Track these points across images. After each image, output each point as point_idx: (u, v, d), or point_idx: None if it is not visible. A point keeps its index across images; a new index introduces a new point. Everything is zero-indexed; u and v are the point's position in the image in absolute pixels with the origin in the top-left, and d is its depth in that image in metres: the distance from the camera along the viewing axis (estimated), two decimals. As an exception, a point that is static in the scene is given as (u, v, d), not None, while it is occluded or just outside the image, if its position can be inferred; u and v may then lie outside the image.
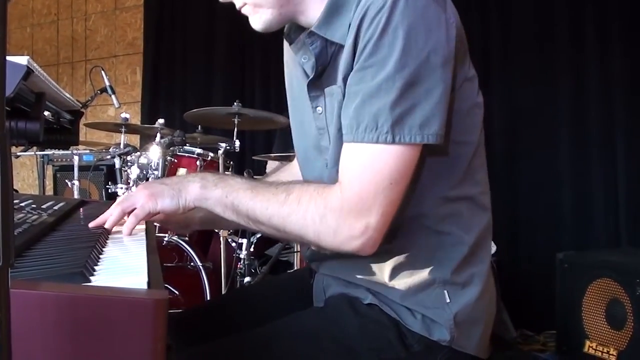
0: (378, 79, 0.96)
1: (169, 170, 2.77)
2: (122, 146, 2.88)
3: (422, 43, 0.95)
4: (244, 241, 2.80)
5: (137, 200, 1.12)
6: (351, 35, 1.01)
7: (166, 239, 2.65)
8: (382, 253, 1.05)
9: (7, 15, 0.48)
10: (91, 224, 1.12)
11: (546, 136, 3.35)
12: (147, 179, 2.57)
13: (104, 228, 1.11)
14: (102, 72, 3.32)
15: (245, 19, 1.15)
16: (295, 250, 2.82)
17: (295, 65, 1.19)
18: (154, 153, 2.64)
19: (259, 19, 1.11)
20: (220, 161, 2.80)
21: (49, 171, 4.23)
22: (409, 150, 0.98)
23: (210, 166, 2.90)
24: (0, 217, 0.46)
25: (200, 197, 1.10)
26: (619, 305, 2.30)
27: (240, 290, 2.23)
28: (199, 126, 3.28)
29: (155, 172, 2.61)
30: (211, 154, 2.89)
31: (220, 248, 2.69)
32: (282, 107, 3.76)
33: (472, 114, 1.11)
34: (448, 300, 1.07)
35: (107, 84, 3.30)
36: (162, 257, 1.06)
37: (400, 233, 1.08)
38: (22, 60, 0.86)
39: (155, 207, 1.11)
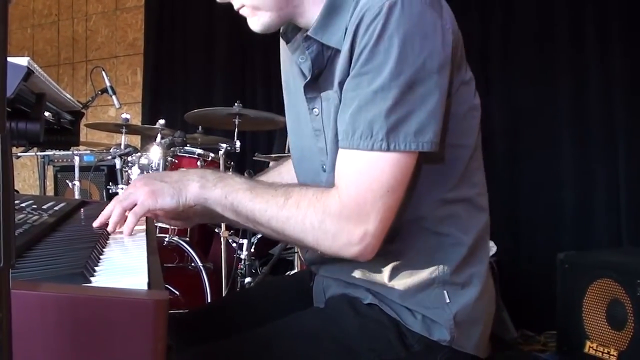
0: (374, 86, 0.97)
1: (170, 171, 2.77)
2: (122, 147, 2.89)
3: (417, 50, 0.95)
4: (245, 241, 2.80)
5: (137, 197, 1.11)
6: (347, 41, 1.01)
7: (167, 239, 2.65)
8: (382, 254, 1.05)
9: (8, 16, 0.48)
10: (95, 223, 1.11)
11: (547, 136, 3.34)
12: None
13: (106, 228, 1.11)
14: (103, 72, 3.32)
15: (244, 18, 1.15)
16: (296, 250, 2.82)
17: (292, 64, 1.19)
18: (155, 153, 2.64)
19: (258, 21, 1.12)
20: (221, 162, 2.80)
21: (50, 172, 4.23)
22: (405, 157, 0.98)
23: (211, 167, 2.90)
24: (1, 218, 0.46)
25: (199, 197, 1.10)
26: (619, 305, 2.30)
27: (240, 292, 2.23)
28: (200, 127, 3.28)
29: (156, 173, 2.61)
30: (212, 155, 2.89)
31: (221, 248, 2.69)
32: (283, 108, 3.77)
33: (469, 117, 1.11)
34: (448, 301, 1.08)
35: (108, 84, 3.30)
36: (162, 257, 1.06)
37: (400, 235, 1.08)
38: (23, 61, 0.86)
39: (154, 205, 1.10)
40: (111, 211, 1.11)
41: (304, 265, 2.71)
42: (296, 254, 2.80)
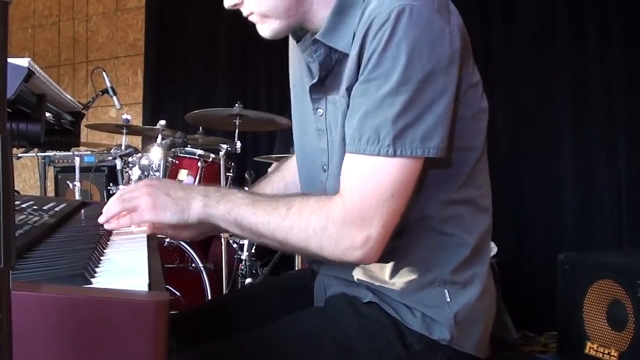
0: (381, 92, 0.97)
1: (170, 172, 2.77)
2: (123, 147, 2.88)
3: (425, 57, 0.96)
4: (245, 242, 2.80)
5: (139, 205, 1.12)
6: (356, 46, 1.02)
7: (167, 240, 2.65)
8: (386, 252, 1.06)
9: (8, 17, 0.48)
10: (101, 219, 1.13)
11: (547, 136, 3.34)
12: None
13: (106, 228, 1.12)
14: (104, 73, 3.32)
15: (246, 19, 1.15)
16: (297, 254, 2.81)
17: (300, 62, 1.21)
18: (155, 154, 2.64)
19: (267, 29, 1.13)
20: (222, 162, 2.80)
21: (50, 172, 4.23)
22: (411, 163, 0.99)
23: (212, 168, 2.90)
24: (2, 219, 0.46)
25: (203, 215, 1.11)
26: (620, 306, 2.30)
27: (241, 290, 2.23)
28: (200, 127, 3.28)
29: (157, 174, 2.61)
30: (212, 156, 2.89)
31: (222, 249, 2.69)
32: (284, 109, 3.76)
33: (477, 120, 1.12)
34: (449, 300, 1.09)
35: (109, 85, 3.30)
36: (163, 258, 1.06)
37: (404, 233, 1.09)
38: (23, 62, 0.86)
39: (153, 218, 1.12)
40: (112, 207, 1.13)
41: (305, 265, 2.71)
42: (297, 257, 2.79)
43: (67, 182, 3.48)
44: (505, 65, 3.44)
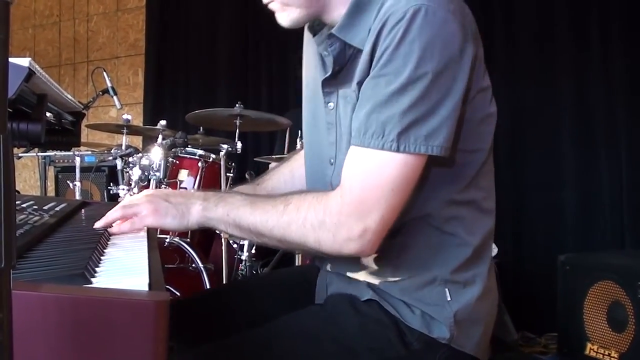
0: (391, 88, 0.98)
1: (171, 172, 2.77)
2: (123, 147, 2.88)
3: (437, 57, 0.97)
4: (246, 243, 2.79)
5: (140, 211, 1.14)
6: (370, 42, 1.03)
7: (167, 240, 2.65)
8: (386, 249, 1.07)
9: (9, 16, 0.48)
10: (97, 224, 1.13)
11: (548, 137, 3.34)
12: (149, 181, 2.57)
13: (105, 229, 1.12)
14: (104, 73, 3.33)
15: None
16: (297, 252, 2.81)
17: (314, 57, 1.22)
18: (156, 154, 2.63)
19: (287, 17, 1.14)
20: (222, 163, 2.80)
21: (51, 172, 4.23)
22: (413, 159, 1.00)
23: (212, 168, 2.90)
24: (2, 218, 0.46)
25: (203, 219, 1.14)
26: (620, 307, 2.30)
27: (243, 282, 2.22)
28: (201, 128, 3.28)
29: (157, 174, 2.61)
30: (213, 156, 2.89)
31: (222, 249, 2.69)
32: (285, 109, 3.78)
33: (485, 124, 1.14)
34: (449, 299, 1.09)
35: (109, 85, 3.31)
36: (163, 258, 1.06)
37: (406, 230, 1.10)
38: (24, 62, 0.86)
39: (154, 223, 1.14)
40: (112, 214, 1.14)
41: (306, 261, 2.71)
42: (297, 255, 2.79)
43: (68, 182, 3.48)
44: (506, 65, 3.44)
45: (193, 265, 2.63)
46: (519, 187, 3.38)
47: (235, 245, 2.83)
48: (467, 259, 1.11)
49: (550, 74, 3.33)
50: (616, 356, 2.30)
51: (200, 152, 2.89)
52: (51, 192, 4.27)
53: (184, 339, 1.21)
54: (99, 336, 0.58)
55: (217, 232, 2.86)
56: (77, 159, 3.30)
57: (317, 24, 1.21)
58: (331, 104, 1.15)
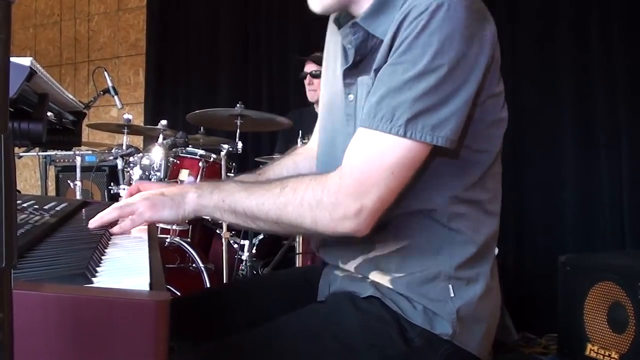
0: (406, 75, 1.00)
1: (172, 172, 2.77)
2: (124, 147, 2.88)
3: (454, 52, 0.99)
4: (246, 243, 2.80)
5: (136, 208, 1.14)
6: (391, 32, 1.05)
7: (168, 240, 2.65)
8: (389, 243, 1.09)
9: (11, 17, 0.48)
10: (91, 224, 1.12)
11: (549, 137, 3.34)
12: (150, 180, 2.57)
13: (105, 229, 1.11)
14: (105, 73, 3.33)
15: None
16: (298, 252, 2.82)
17: (336, 48, 1.24)
18: (157, 154, 2.64)
19: (319, 3, 1.16)
20: (223, 163, 2.80)
21: (52, 172, 4.23)
22: (418, 147, 1.01)
23: (213, 168, 2.90)
24: (3, 218, 0.46)
25: (198, 207, 1.14)
26: (620, 308, 2.30)
27: (243, 282, 2.23)
28: (202, 128, 3.28)
29: (158, 173, 2.61)
30: (213, 156, 2.89)
31: (222, 249, 2.69)
32: (286, 109, 3.78)
33: (495, 127, 1.14)
34: (452, 295, 1.09)
35: (110, 84, 3.31)
36: (163, 258, 1.06)
37: (411, 225, 1.11)
38: (25, 61, 0.86)
39: (153, 216, 1.14)
40: (107, 213, 1.14)
41: (307, 262, 2.72)
42: (298, 256, 2.79)
43: (68, 181, 3.49)
44: (507, 65, 3.43)
45: (193, 265, 2.63)
46: (519, 187, 3.37)
47: (235, 245, 2.83)
48: (471, 257, 1.12)
49: (551, 74, 3.33)
50: (616, 357, 2.30)
51: (200, 152, 2.89)
52: (52, 191, 4.27)
53: (184, 338, 1.22)
54: (99, 336, 0.58)
55: (217, 232, 2.87)
56: (78, 159, 3.30)
57: (342, 17, 1.23)
58: (351, 96, 1.17)
